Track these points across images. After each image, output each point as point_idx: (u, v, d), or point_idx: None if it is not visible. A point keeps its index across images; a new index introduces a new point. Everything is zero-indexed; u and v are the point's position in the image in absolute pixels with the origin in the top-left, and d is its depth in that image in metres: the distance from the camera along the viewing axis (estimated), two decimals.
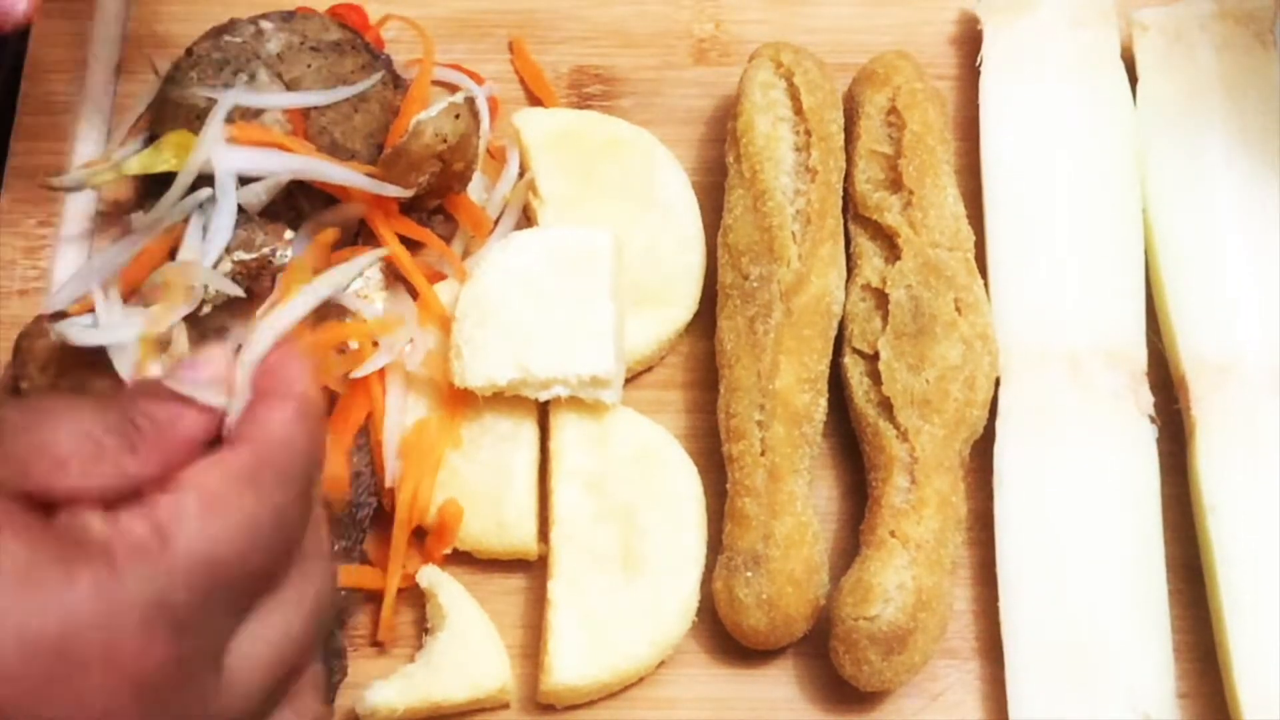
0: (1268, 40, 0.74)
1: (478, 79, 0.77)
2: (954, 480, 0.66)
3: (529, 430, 0.69)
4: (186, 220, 0.67)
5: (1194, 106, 0.73)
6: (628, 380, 0.72)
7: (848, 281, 0.70)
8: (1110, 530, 0.66)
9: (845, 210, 0.72)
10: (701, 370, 0.72)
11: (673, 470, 0.68)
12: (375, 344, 0.68)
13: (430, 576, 0.67)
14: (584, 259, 0.69)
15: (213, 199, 0.67)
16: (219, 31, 0.72)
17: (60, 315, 0.66)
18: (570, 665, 0.65)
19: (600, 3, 0.80)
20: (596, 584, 0.66)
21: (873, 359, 0.68)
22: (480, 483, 0.68)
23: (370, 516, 0.67)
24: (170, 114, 0.71)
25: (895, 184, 0.70)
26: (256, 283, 0.67)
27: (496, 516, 0.68)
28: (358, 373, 0.67)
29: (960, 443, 0.67)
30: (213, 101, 0.69)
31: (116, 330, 0.64)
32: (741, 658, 0.67)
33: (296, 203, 0.69)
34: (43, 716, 0.40)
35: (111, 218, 0.75)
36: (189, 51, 0.72)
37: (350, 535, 0.67)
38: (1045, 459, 0.67)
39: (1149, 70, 0.74)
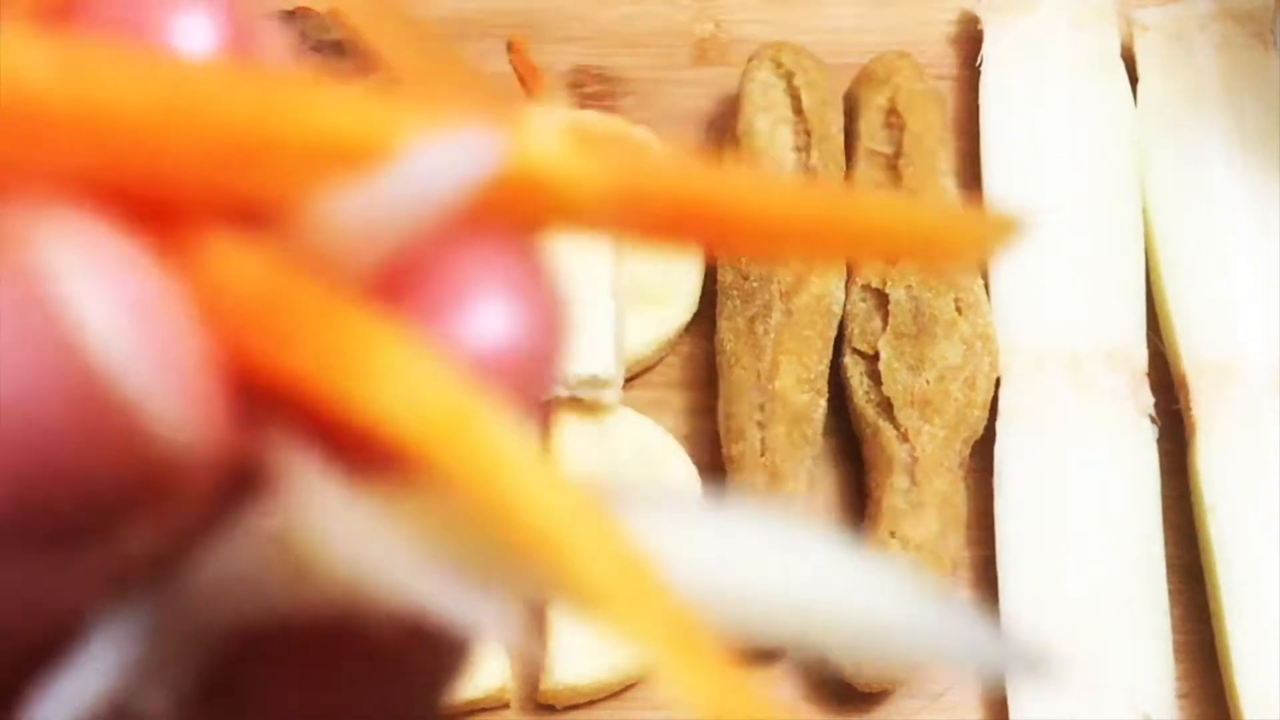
0: (1268, 40, 0.74)
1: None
2: (954, 480, 0.66)
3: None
4: None
5: (1194, 106, 0.73)
6: (628, 380, 0.71)
7: (847, 281, 0.70)
8: (1111, 530, 0.66)
9: None
10: (701, 370, 0.72)
11: (673, 471, 0.68)
12: None
13: None
14: (584, 259, 0.69)
15: None
16: None
17: None
18: (570, 665, 0.65)
19: (600, 3, 0.79)
20: None
21: (873, 359, 0.68)
22: None
23: None
24: None
25: (895, 184, 0.70)
26: None
27: None
28: None
29: (960, 443, 0.67)
30: None
31: None
32: (741, 658, 0.67)
33: None
34: None
35: None
36: None
37: None
38: (1046, 459, 0.67)
39: (1149, 70, 0.74)
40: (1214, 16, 0.75)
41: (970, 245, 0.20)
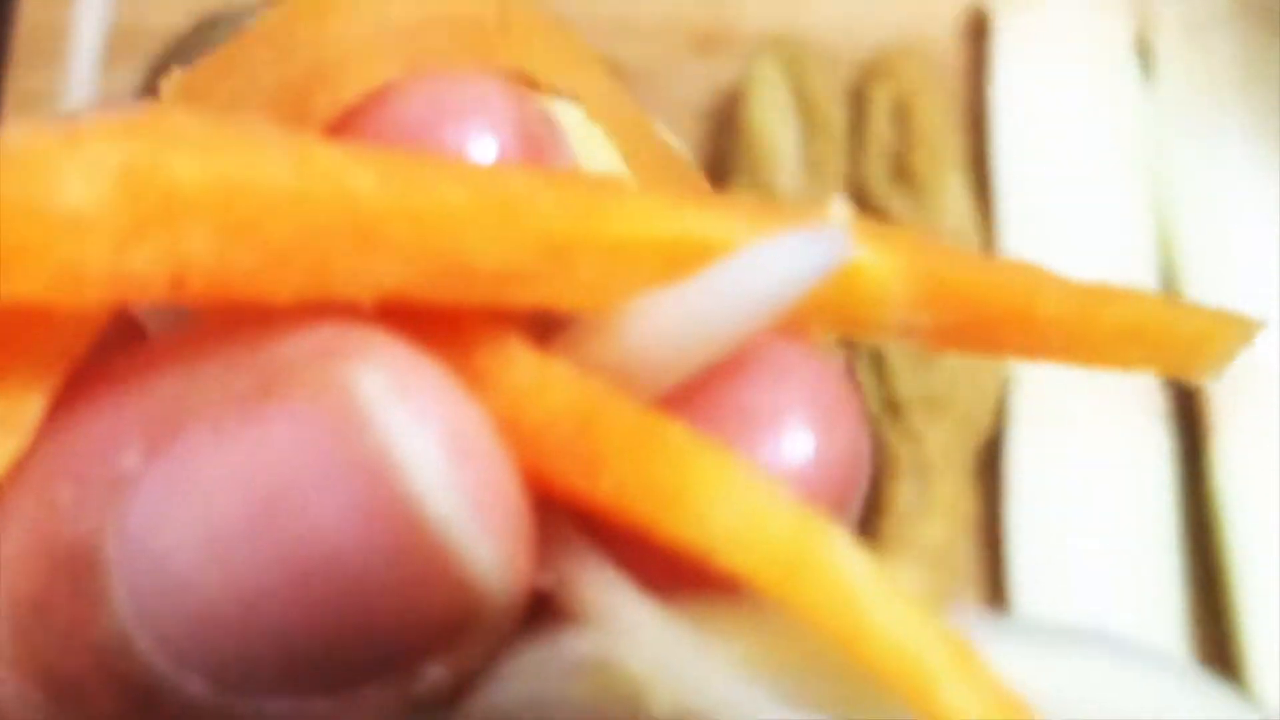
0: None
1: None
2: (963, 483, 0.65)
3: None
4: None
5: (1210, 97, 0.72)
6: None
7: None
8: (1124, 533, 0.65)
9: (851, 206, 0.71)
10: None
11: None
12: None
13: None
14: None
15: None
16: (207, 24, 0.71)
17: None
18: None
19: None
20: None
21: (880, 358, 0.67)
22: None
23: None
24: None
25: (902, 179, 0.70)
26: None
27: None
28: None
29: (969, 445, 0.66)
30: None
31: None
32: None
33: None
34: None
35: None
36: (176, 44, 0.71)
37: None
38: (1057, 460, 0.66)
39: (1164, 60, 0.73)
40: (1232, 8, 0.74)
41: (1214, 346, 0.20)
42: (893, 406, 0.66)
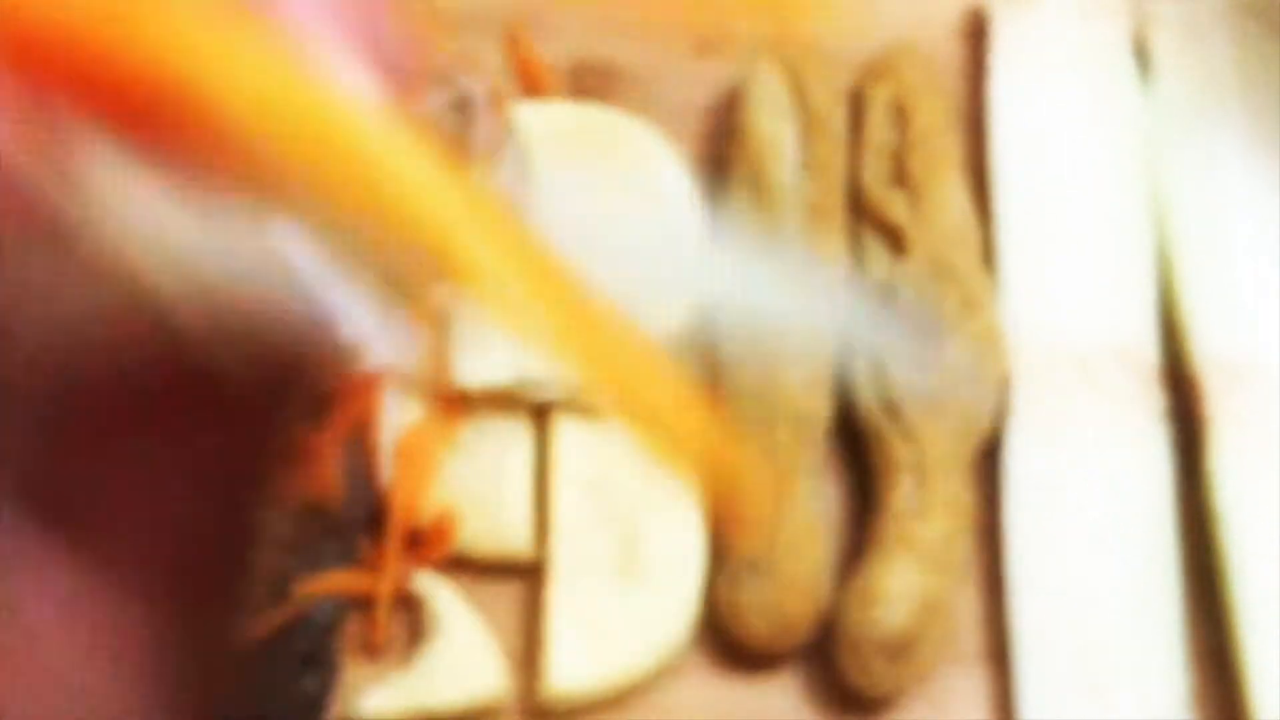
0: None
1: (477, 72, 0.76)
2: (961, 482, 0.65)
3: (526, 433, 0.68)
4: None
5: (1208, 99, 0.72)
6: None
7: (852, 279, 0.69)
8: (1122, 532, 0.65)
9: (850, 206, 0.71)
10: (704, 371, 0.71)
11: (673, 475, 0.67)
12: None
13: (423, 582, 0.66)
14: None
15: None
16: None
17: None
18: (568, 672, 0.64)
19: None
20: (596, 590, 0.65)
21: (879, 360, 0.67)
22: (476, 486, 0.67)
23: (365, 519, 0.66)
24: None
25: (901, 179, 0.70)
26: None
27: (492, 520, 0.67)
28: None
29: (969, 444, 0.66)
30: None
31: None
32: (744, 665, 0.66)
33: None
34: None
35: None
36: None
37: (344, 538, 0.66)
38: (1056, 460, 0.66)
39: (1162, 62, 0.73)
40: (1228, 10, 0.74)
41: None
42: (892, 406, 0.66)
